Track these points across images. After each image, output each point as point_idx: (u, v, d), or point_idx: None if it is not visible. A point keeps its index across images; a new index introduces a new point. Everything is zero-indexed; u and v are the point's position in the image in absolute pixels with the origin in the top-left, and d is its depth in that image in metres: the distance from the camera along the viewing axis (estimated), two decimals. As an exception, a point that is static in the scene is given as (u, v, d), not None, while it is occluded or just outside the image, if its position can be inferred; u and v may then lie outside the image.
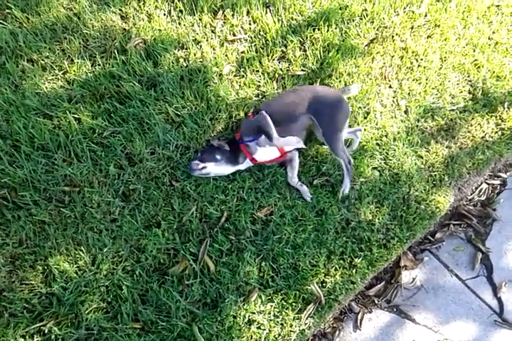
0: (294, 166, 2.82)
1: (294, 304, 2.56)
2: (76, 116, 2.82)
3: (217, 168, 2.71)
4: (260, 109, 2.76)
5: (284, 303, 2.55)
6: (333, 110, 2.74)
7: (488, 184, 3.23)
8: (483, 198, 3.19)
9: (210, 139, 2.85)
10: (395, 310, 2.77)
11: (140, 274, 2.52)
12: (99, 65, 3.01)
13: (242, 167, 2.80)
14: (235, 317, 2.48)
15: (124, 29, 3.14)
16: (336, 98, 2.80)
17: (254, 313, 2.50)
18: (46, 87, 2.90)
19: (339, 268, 2.69)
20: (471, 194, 3.19)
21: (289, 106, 2.74)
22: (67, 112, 2.82)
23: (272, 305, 2.53)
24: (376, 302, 2.78)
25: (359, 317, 2.71)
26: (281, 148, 2.73)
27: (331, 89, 2.98)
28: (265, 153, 2.74)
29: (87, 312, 2.41)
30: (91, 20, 3.13)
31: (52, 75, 2.96)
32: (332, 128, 2.71)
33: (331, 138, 2.71)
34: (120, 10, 3.21)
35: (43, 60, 2.98)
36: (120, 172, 2.74)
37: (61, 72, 2.98)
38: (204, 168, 2.66)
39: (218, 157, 2.70)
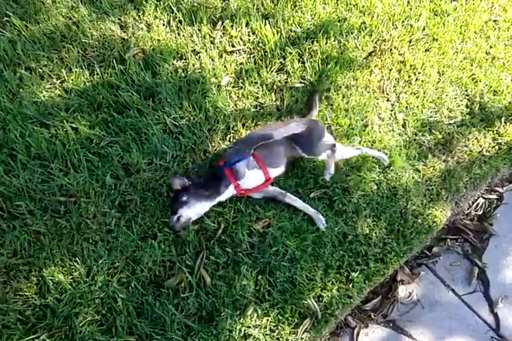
0: (293, 199, 2.77)
1: (290, 318, 2.54)
2: (73, 125, 2.81)
3: (193, 210, 2.56)
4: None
5: (281, 317, 2.53)
6: (310, 132, 2.76)
7: (484, 198, 3.24)
8: (479, 213, 3.19)
9: (170, 176, 2.69)
10: (391, 325, 2.76)
11: (135, 286, 2.49)
12: (97, 74, 2.99)
13: (223, 197, 2.65)
14: (230, 331, 2.45)
15: (123, 39, 3.14)
16: (310, 121, 2.88)
17: (250, 327, 2.48)
18: (44, 96, 2.88)
19: (336, 282, 2.67)
20: (468, 208, 3.19)
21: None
22: (65, 121, 2.80)
23: (268, 320, 2.51)
24: (372, 316, 2.76)
25: (355, 332, 2.70)
26: (266, 173, 2.66)
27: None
28: (253, 177, 2.64)
29: (81, 324, 2.37)
30: (90, 29, 3.12)
31: (50, 84, 2.95)
32: (313, 145, 2.76)
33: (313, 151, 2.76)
34: (119, 19, 3.21)
35: (41, 68, 2.96)
36: (117, 183, 2.72)
37: (59, 80, 2.96)
38: (180, 217, 2.52)
39: (185, 198, 2.55)
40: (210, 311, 2.49)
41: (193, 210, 2.57)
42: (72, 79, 2.95)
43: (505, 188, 3.30)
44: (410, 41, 3.49)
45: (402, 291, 2.85)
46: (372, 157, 2.99)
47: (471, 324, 2.79)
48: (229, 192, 2.64)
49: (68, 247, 2.54)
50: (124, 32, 3.17)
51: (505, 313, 2.82)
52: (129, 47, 3.10)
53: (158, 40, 3.14)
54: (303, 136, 2.70)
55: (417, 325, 2.76)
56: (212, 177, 2.66)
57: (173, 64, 3.10)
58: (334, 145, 2.79)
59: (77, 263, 2.50)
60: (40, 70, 2.96)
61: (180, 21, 3.25)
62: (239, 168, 2.61)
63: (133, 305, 2.45)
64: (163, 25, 3.22)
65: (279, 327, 2.51)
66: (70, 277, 2.48)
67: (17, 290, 2.42)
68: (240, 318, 2.49)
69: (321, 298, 2.62)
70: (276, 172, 2.74)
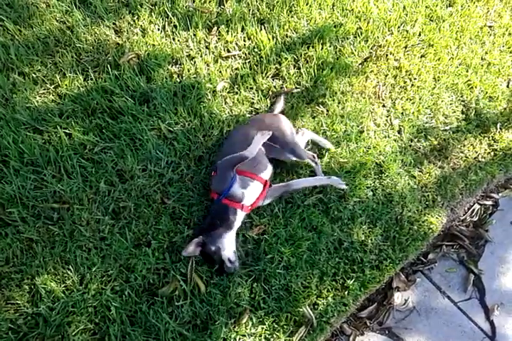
0: (300, 183, 2.79)
1: (285, 326, 2.52)
2: (67, 131, 2.78)
3: (227, 248, 2.48)
4: (216, 162, 2.69)
5: (276, 326, 2.51)
6: (277, 125, 2.78)
7: (480, 205, 3.23)
8: (475, 219, 3.18)
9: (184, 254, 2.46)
10: (387, 332, 2.75)
11: (129, 294, 2.46)
12: (91, 79, 2.97)
13: (238, 223, 2.56)
14: (225, 339, 2.43)
15: (118, 43, 3.11)
16: (272, 116, 2.90)
17: (244, 336, 2.46)
18: (37, 101, 2.86)
19: (331, 289, 2.66)
20: (464, 215, 3.18)
21: (238, 143, 2.70)
22: (58, 127, 2.77)
23: (263, 328, 2.49)
24: (368, 324, 2.75)
25: (351, 339, 2.68)
26: (260, 179, 2.62)
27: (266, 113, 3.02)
28: (251, 191, 2.59)
29: (73, 333, 2.35)
30: (84, 33, 3.10)
31: (44, 89, 2.92)
32: (286, 139, 2.74)
33: (291, 148, 2.73)
34: (114, 24, 3.19)
35: (34, 73, 2.94)
36: (110, 189, 2.69)
37: (53, 86, 2.94)
38: (228, 261, 2.48)
39: (213, 248, 2.46)
40: (204, 319, 2.47)
41: (228, 247, 2.49)
42: (66, 85, 2.93)
43: (500, 194, 3.29)
44: (406, 47, 3.48)
45: (398, 298, 2.83)
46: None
47: (467, 331, 2.78)
48: (239, 216, 2.56)
49: (61, 255, 2.51)
50: (119, 37, 3.15)
51: (501, 321, 2.81)
52: (123, 52, 3.08)
53: (153, 45, 3.12)
54: (275, 135, 2.72)
55: (412, 333, 2.75)
56: (217, 212, 2.56)
57: (168, 69, 3.08)
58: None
59: (70, 271, 2.48)
60: (33, 75, 2.93)
61: (175, 26, 3.23)
62: (235, 193, 2.53)
63: (126, 313, 2.43)
64: (158, 30, 3.21)
65: (274, 336, 2.49)
66: (62, 285, 2.45)
67: (9, 299, 2.40)
68: (234, 326, 2.47)
69: (316, 306, 2.60)
70: (267, 173, 2.70)
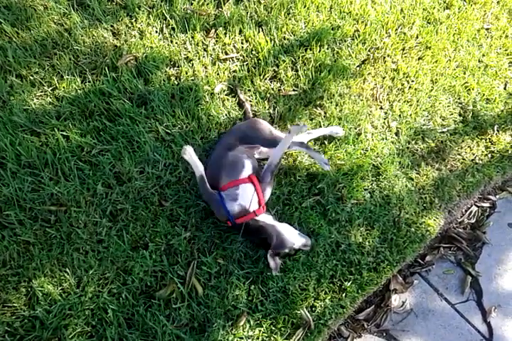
0: (274, 158, 2.65)
1: (283, 329, 2.51)
2: (64, 133, 2.78)
3: (290, 240, 2.52)
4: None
5: (273, 328, 2.51)
6: (254, 127, 2.80)
7: (477, 206, 3.24)
8: (472, 221, 3.19)
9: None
10: (384, 334, 2.75)
11: (126, 297, 2.46)
12: (89, 81, 2.97)
13: (268, 220, 2.56)
14: (222, 342, 2.43)
15: (116, 46, 3.11)
16: (248, 121, 2.92)
17: (242, 338, 2.46)
18: (34, 104, 2.85)
19: (329, 291, 2.66)
20: (461, 216, 3.19)
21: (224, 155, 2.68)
22: (56, 129, 2.77)
23: (260, 330, 2.49)
24: (366, 326, 2.75)
25: (348, 342, 2.68)
26: (242, 180, 2.54)
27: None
28: (245, 196, 2.51)
29: (70, 336, 2.34)
30: (82, 36, 3.10)
31: (41, 91, 2.92)
32: (264, 137, 2.75)
33: (272, 142, 2.70)
34: (112, 26, 3.19)
35: (32, 75, 2.94)
36: (108, 192, 2.69)
37: (50, 88, 2.93)
38: (303, 246, 2.57)
39: (282, 249, 2.52)
40: (201, 322, 2.47)
41: (293, 239, 2.53)
42: (63, 87, 2.93)
43: (497, 196, 3.30)
44: (403, 49, 3.49)
45: (396, 300, 2.83)
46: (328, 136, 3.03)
47: (464, 333, 2.78)
48: (262, 218, 2.56)
49: (58, 257, 2.51)
50: (117, 39, 3.15)
51: (498, 322, 2.82)
52: (121, 54, 3.08)
53: (151, 47, 3.13)
54: (251, 135, 2.74)
55: (410, 335, 2.75)
56: (251, 232, 2.57)
57: (165, 71, 3.08)
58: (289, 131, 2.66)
59: (67, 274, 2.47)
60: (31, 77, 2.93)
61: (173, 28, 3.23)
62: (234, 210, 2.49)
63: (124, 316, 2.42)
64: (156, 32, 3.21)
65: (272, 338, 2.49)
66: (59, 288, 2.45)
67: (5, 302, 2.39)
68: (232, 329, 2.46)
69: (313, 308, 2.60)
70: (247, 170, 2.59)
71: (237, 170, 2.58)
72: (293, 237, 2.53)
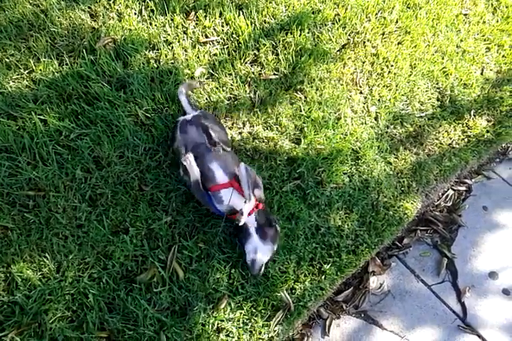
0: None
1: (263, 311, 2.54)
2: (42, 117, 2.73)
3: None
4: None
5: (254, 310, 2.54)
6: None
7: (454, 190, 3.30)
8: (449, 204, 3.25)
9: None
10: (362, 315, 2.80)
11: (107, 282, 2.45)
12: (66, 64, 2.92)
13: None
14: (203, 325, 2.45)
15: (93, 28, 3.06)
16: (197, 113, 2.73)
17: (223, 321, 2.48)
18: (11, 87, 2.80)
19: (308, 274, 2.69)
20: (438, 200, 3.25)
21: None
22: (33, 113, 2.72)
23: (241, 313, 2.52)
24: (344, 308, 2.80)
25: (327, 323, 2.72)
26: (222, 185, 2.47)
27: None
28: (231, 199, 2.46)
29: (51, 321, 2.33)
30: (59, 17, 3.04)
31: (17, 74, 2.86)
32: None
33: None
34: (89, 8, 3.13)
35: (7, 58, 2.87)
36: (87, 176, 2.67)
37: (27, 71, 2.87)
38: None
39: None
40: (183, 305, 2.49)
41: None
42: (40, 70, 2.87)
43: (473, 180, 3.37)
44: (383, 34, 3.50)
45: (374, 282, 2.89)
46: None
47: (439, 313, 2.85)
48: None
49: (37, 242, 2.49)
50: (95, 21, 3.10)
51: (472, 302, 2.89)
52: (99, 36, 3.03)
53: (130, 29, 3.08)
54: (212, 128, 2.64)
55: (387, 316, 2.81)
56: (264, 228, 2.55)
57: (145, 54, 3.04)
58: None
59: (47, 259, 2.45)
60: (6, 60, 2.87)
61: (152, 11, 3.18)
62: (223, 209, 2.49)
63: (104, 300, 2.42)
64: (135, 14, 3.16)
65: (252, 320, 2.52)
66: (39, 273, 2.43)
67: (-16, 287, 2.37)
68: (213, 312, 2.48)
69: (293, 291, 2.64)
70: (221, 176, 2.49)
71: (214, 176, 2.50)
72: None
